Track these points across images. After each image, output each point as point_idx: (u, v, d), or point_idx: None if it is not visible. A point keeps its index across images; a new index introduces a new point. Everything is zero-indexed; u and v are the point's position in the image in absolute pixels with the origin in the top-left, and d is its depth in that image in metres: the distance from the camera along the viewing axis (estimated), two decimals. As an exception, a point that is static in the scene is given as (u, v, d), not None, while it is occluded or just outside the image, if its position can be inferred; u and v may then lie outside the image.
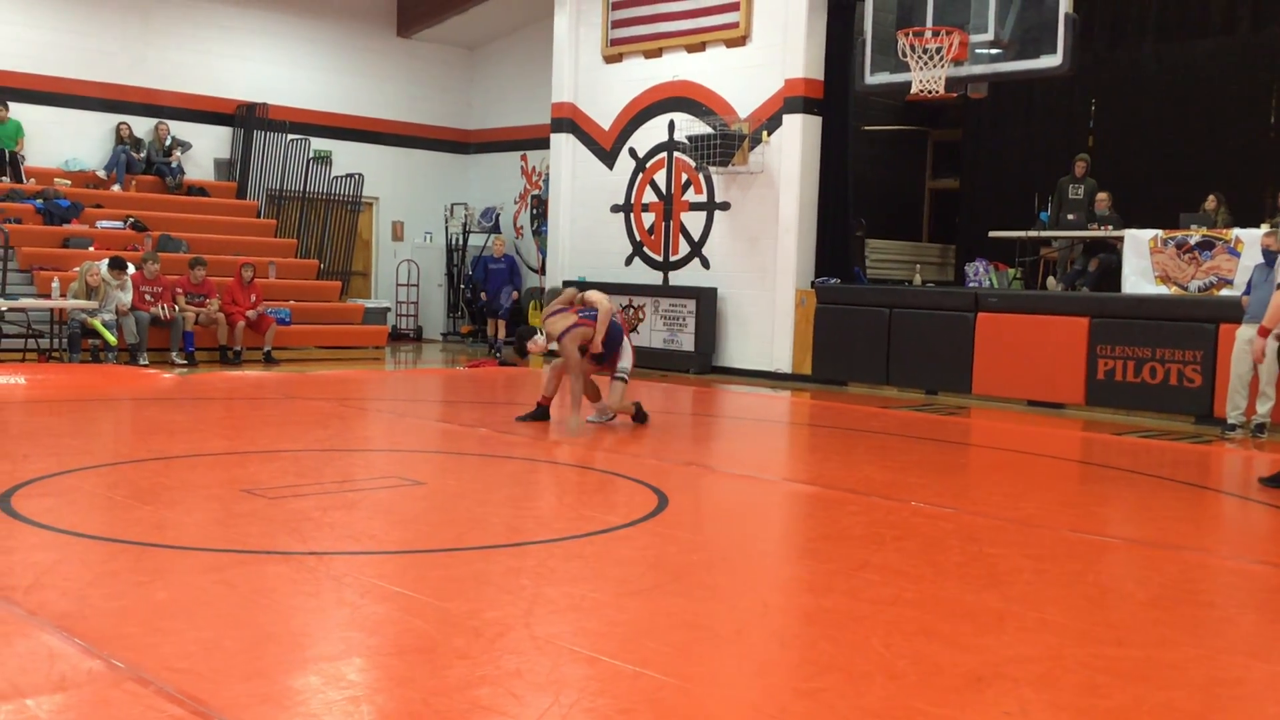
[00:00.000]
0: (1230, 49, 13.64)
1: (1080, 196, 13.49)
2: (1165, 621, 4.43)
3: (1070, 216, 13.45)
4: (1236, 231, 11.37)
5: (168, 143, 17.39)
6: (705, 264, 15.49)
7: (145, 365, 13.08)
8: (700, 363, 15.07)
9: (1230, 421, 10.07)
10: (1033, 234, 13.69)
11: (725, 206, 15.23)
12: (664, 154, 15.98)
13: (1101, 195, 13.17)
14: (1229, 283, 11.15)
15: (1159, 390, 11.12)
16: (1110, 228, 12.91)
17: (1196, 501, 7.21)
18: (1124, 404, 11.40)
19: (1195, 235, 11.50)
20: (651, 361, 15.41)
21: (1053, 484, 7.39)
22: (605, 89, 16.63)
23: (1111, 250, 12.86)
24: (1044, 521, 6.18)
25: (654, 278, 16.04)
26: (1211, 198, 12.38)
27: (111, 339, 12.82)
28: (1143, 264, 11.85)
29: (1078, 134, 14.74)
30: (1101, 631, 4.23)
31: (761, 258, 14.65)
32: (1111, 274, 12.68)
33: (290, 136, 18.18)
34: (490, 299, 17.33)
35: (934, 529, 5.92)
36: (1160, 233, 11.78)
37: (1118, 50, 14.43)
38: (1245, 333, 9.74)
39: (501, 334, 16.99)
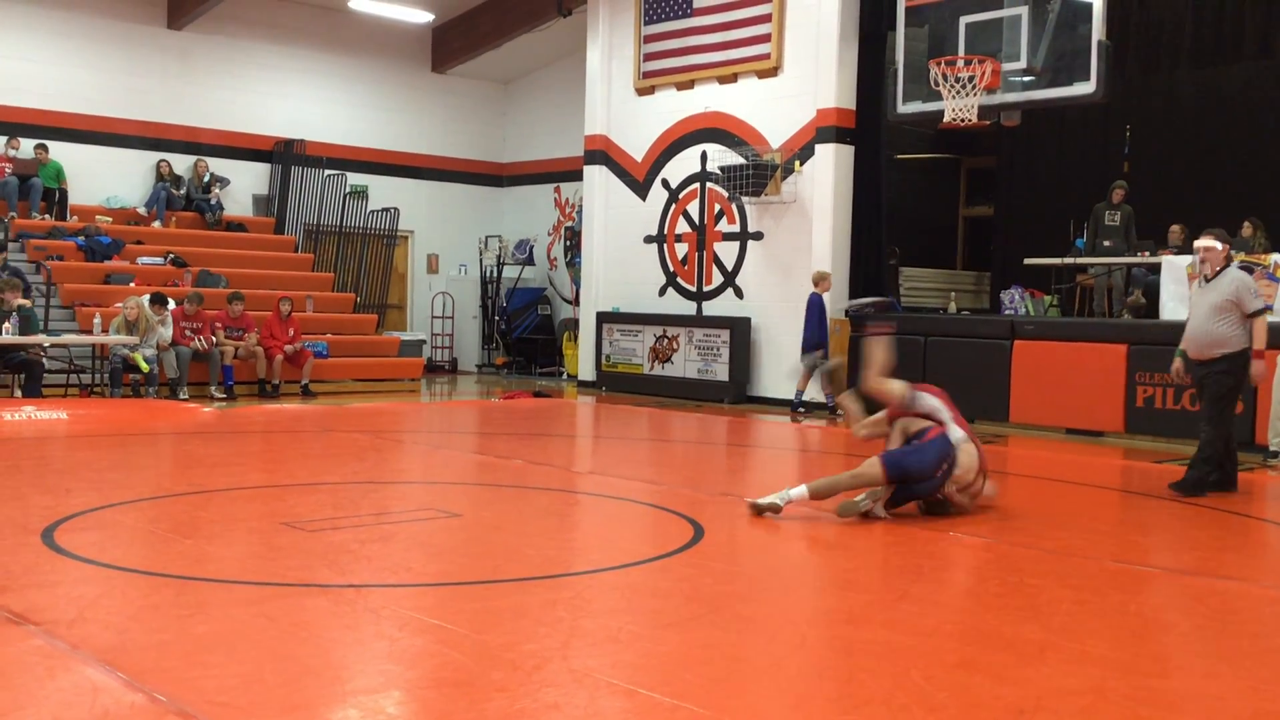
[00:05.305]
0: (1265, 73, 13.55)
1: (1117, 223, 13.41)
2: (1209, 653, 4.37)
3: (1106, 243, 13.37)
4: (1275, 257, 11.27)
5: (206, 179, 17.63)
6: (739, 294, 15.50)
7: (185, 399, 13.22)
8: (734, 393, 15.05)
9: (1271, 448, 9.95)
10: (1069, 261, 13.61)
11: (758, 236, 15.25)
12: (696, 185, 16.04)
13: (1175, 228, 13.03)
14: (1269, 308, 11.02)
15: (1200, 417, 10.97)
16: (1146, 254, 12.82)
17: (1239, 530, 7.11)
18: (1164, 431, 11.28)
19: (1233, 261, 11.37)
20: (685, 392, 15.42)
21: (1093, 513, 7.31)
22: (637, 121, 16.73)
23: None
24: (1084, 551, 6.11)
25: (687, 308, 16.06)
26: (1247, 223, 12.27)
27: (145, 366, 12.90)
28: (1181, 290, 11.73)
29: (1113, 160, 14.67)
30: (1144, 663, 4.18)
31: (795, 287, 14.63)
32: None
33: (327, 172, 18.40)
34: (809, 343, 13.61)
35: (973, 560, 5.87)
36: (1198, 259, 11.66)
37: (1152, 76, 14.37)
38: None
39: (829, 390, 13.50)
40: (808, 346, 13.55)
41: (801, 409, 13.79)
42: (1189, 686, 3.95)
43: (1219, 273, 7.88)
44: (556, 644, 4.13)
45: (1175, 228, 13.04)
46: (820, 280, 13.63)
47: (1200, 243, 8.00)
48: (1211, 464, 7.82)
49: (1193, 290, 8.22)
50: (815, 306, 13.54)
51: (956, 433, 6.78)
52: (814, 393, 13.79)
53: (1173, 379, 8.35)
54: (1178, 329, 11.21)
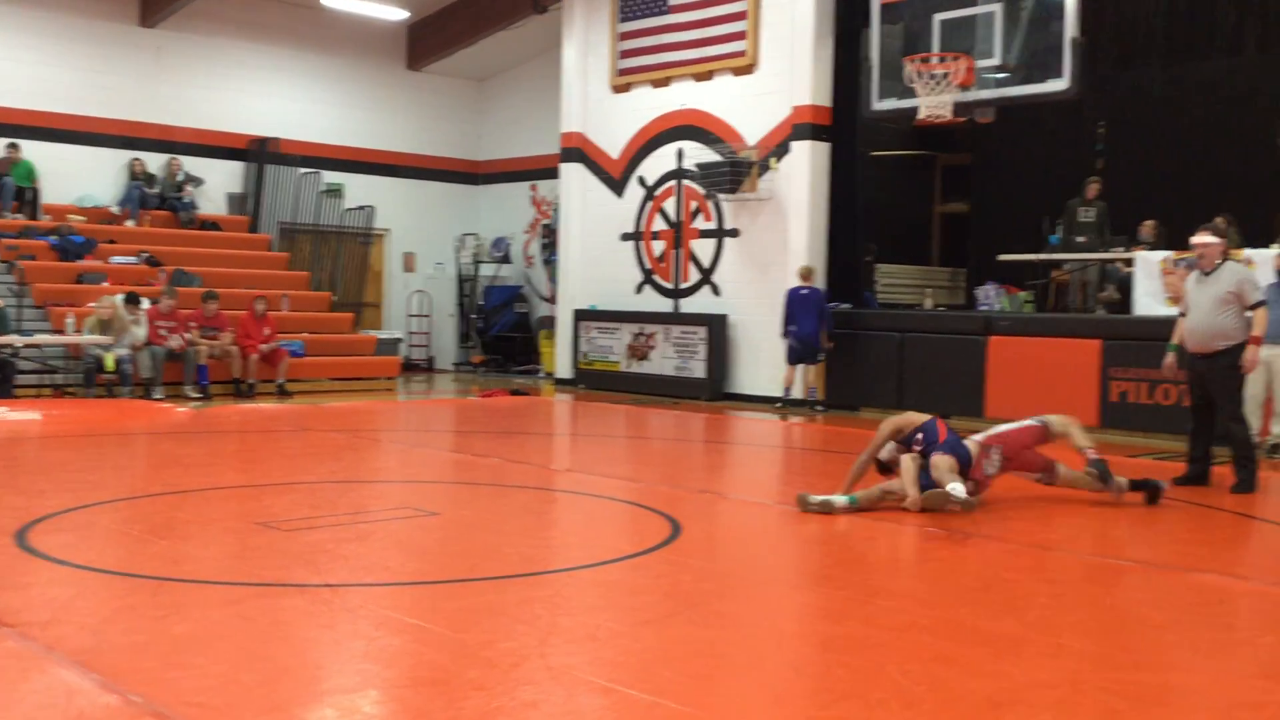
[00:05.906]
0: (1237, 70, 13.68)
1: (1091, 219, 13.49)
2: (1183, 645, 4.41)
3: (1081, 239, 13.45)
4: (1247, 252, 11.34)
5: (180, 178, 17.51)
6: (716, 291, 15.51)
7: (160, 399, 13.14)
8: (712, 389, 15.06)
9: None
10: (1043, 257, 13.68)
11: (735, 234, 15.27)
12: (673, 182, 16.04)
13: (1148, 223, 13.10)
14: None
15: (1173, 412, 11.06)
16: (1120, 249, 12.90)
17: (1213, 524, 7.17)
18: (1138, 426, 11.36)
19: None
20: (663, 389, 15.43)
21: (1068, 508, 7.35)
22: (614, 119, 16.72)
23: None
24: (1060, 545, 6.15)
25: (664, 305, 16.07)
26: (1220, 218, 12.35)
27: (110, 365, 12.79)
28: (1154, 285, 11.83)
29: (1086, 156, 14.76)
30: (1119, 656, 4.21)
31: (772, 284, 14.65)
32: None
33: (302, 170, 18.30)
34: (803, 340, 13.55)
35: (949, 554, 5.90)
36: (1171, 254, 11.77)
37: (1125, 73, 14.47)
38: (1261, 354, 9.70)
39: (815, 385, 13.81)
40: (814, 339, 13.48)
41: (780, 404, 13.82)
42: (1164, 679, 3.98)
43: (1217, 267, 8.06)
44: (534, 642, 4.12)
45: (1148, 223, 13.14)
46: (809, 274, 13.68)
47: (1197, 239, 8.18)
48: (1250, 452, 8.05)
49: (1188, 285, 8.32)
50: (825, 299, 13.56)
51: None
52: (796, 390, 13.81)
53: (1164, 374, 8.52)
54: (1151, 324, 11.39)
